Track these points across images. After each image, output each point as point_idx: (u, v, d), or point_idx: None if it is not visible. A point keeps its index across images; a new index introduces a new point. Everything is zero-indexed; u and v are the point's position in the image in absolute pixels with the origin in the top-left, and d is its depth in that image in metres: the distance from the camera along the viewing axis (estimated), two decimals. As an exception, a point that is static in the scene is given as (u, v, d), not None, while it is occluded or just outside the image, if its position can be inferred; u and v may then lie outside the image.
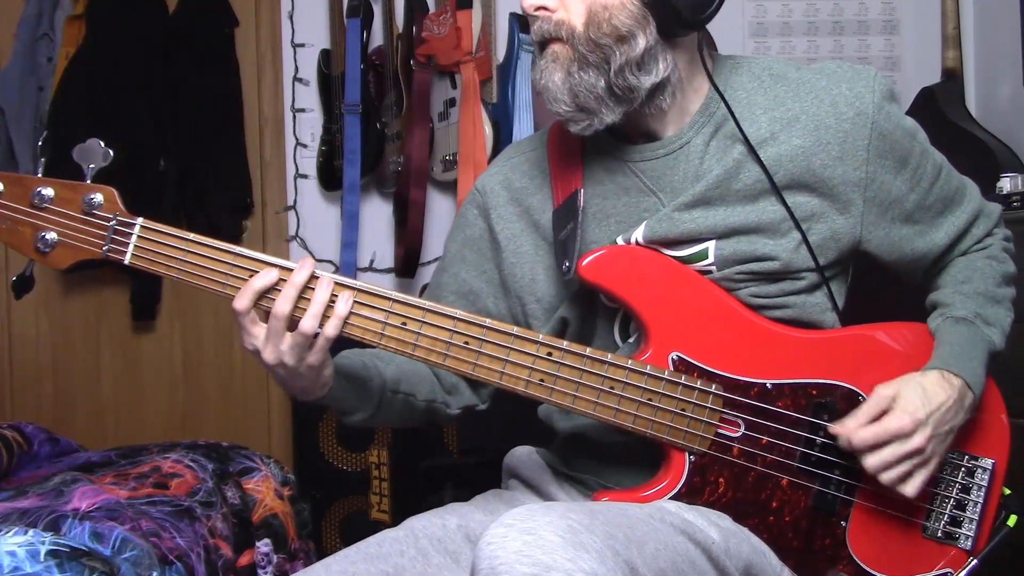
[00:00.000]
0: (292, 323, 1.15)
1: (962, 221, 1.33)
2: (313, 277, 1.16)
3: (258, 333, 1.15)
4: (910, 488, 1.20)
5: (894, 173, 1.26)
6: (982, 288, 1.31)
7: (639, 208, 1.28)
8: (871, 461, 1.18)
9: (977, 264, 1.34)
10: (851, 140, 1.23)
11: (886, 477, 1.18)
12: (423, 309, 1.19)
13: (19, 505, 1.39)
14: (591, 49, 1.19)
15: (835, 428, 1.20)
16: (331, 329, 1.16)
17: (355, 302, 1.18)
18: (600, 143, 1.32)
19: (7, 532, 1.21)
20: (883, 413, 1.19)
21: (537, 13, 1.22)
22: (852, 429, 1.19)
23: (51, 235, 1.18)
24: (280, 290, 1.15)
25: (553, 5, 1.21)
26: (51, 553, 1.20)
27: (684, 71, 1.25)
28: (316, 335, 1.15)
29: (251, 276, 1.16)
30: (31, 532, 1.22)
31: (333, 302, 1.16)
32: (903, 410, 1.18)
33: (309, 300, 1.15)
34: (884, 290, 1.44)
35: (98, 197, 1.18)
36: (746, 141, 1.23)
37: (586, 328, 1.32)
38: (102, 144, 1.20)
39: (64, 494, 1.46)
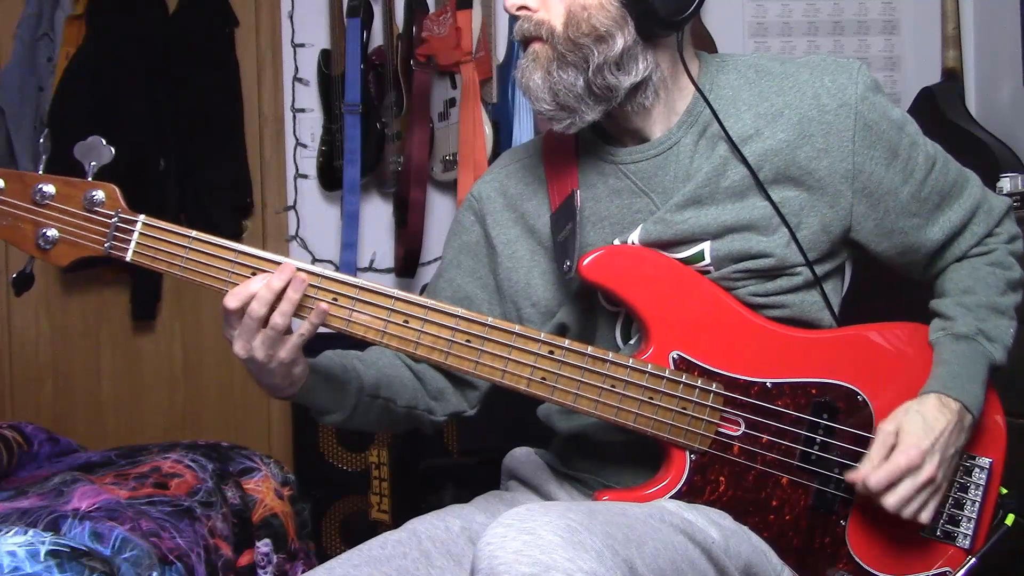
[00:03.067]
0: (267, 322, 1.15)
1: (958, 217, 1.31)
2: (305, 271, 1.16)
3: (237, 326, 1.16)
4: (925, 515, 1.20)
5: (885, 165, 1.26)
6: (985, 299, 1.30)
7: (632, 209, 1.28)
8: (890, 501, 1.18)
9: (980, 272, 1.32)
10: (835, 131, 1.23)
11: (907, 512, 1.19)
12: (425, 307, 1.19)
13: (19, 505, 1.39)
14: (570, 48, 1.20)
15: (850, 476, 1.21)
16: (305, 330, 1.16)
17: (357, 300, 1.18)
18: (591, 147, 1.32)
19: (7, 532, 1.21)
20: (890, 450, 1.20)
21: (519, 12, 1.23)
22: (866, 474, 1.19)
23: (52, 232, 1.18)
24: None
25: (534, 5, 1.22)
26: (51, 553, 1.20)
27: (668, 71, 1.26)
28: (287, 331, 1.15)
29: (253, 273, 1.16)
30: (31, 532, 1.22)
31: (310, 304, 1.16)
32: (908, 444, 1.19)
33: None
34: (885, 291, 1.44)
35: (100, 194, 1.18)
36: (729, 140, 1.23)
37: (587, 332, 1.32)
38: (103, 141, 1.20)
39: (64, 494, 1.46)
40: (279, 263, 1.17)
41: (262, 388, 1.23)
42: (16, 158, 3.02)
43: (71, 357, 3.19)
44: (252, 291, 1.15)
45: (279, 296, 1.15)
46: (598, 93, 1.21)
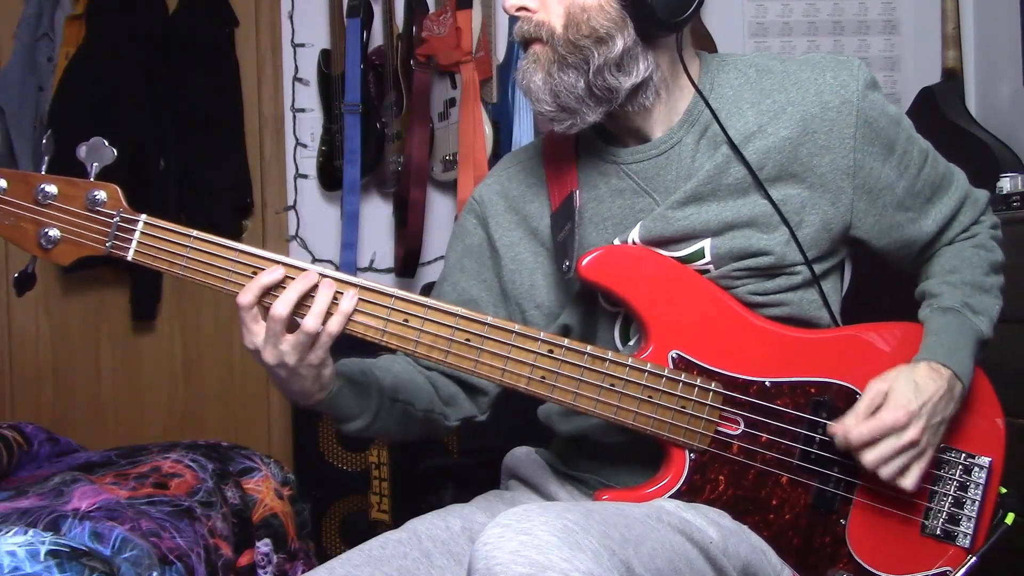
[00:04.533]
0: (291, 325, 1.15)
1: (949, 208, 1.34)
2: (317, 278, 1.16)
3: (259, 331, 1.15)
4: (908, 481, 1.20)
5: (882, 160, 1.26)
6: (969, 277, 1.32)
7: (634, 209, 1.28)
8: (868, 457, 1.18)
9: (965, 253, 1.34)
10: (837, 128, 1.24)
11: (885, 472, 1.19)
12: (425, 306, 1.19)
13: (19, 505, 1.39)
14: (570, 50, 1.20)
15: (832, 427, 1.21)
16: (334, 326, 1.15)
17: (357, 299, 1.17)
18: (592, 147, 1.32)
19: (7, 532, 1.21)
20: (877, 409, 1.20)
21: (518, 14, 1.23)
22: (848, 427, 1.19)
23: (54, 231, 1.18)
24: (284, 287, 1.14)
25: (534, 6, 1.22)
26: (51, 553, 1.20)
27: (668, 71, 1.26)
28: (318, 333, 1.15)
29: (254, 273, 1.16)
30: (31, 532, 1.22)
31: (336, 300, 1.16)
32: (896, 403, 1.19)
33: (311, 299, 1.15)
34: (884, 290, 1.44)
35: (102, 194, 1.18)
36: (729, 141, 1.23)
37: (587, 333, 1.32)
38: (106, 142, 1.20)
39: (64, 494, 1.45)
40: (281, 262, 1.16)
41: (289, 396, 1.22)
42: (16, 158, 3.02)
43: (71, 357, 3.19)
44: (263, 283, 1.14)
45: (304, 297, 1.14)
46: (599, 94, 1.21)
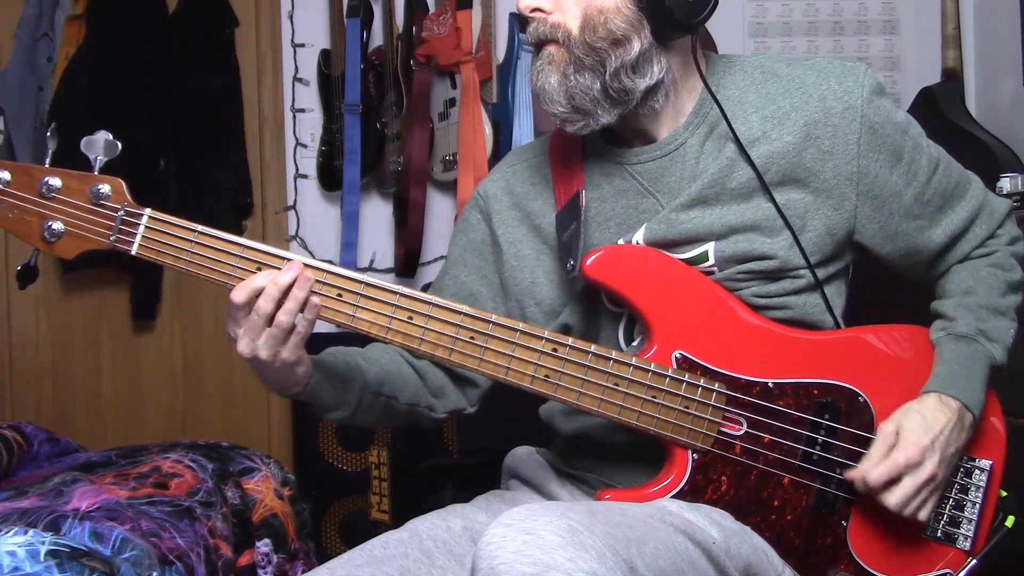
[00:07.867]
0: (271, 320, 1.15)
1: (960, 219, 1.32)
2: (310, 267, 1.16)
3: (243, 323, 1.16)
4: (924, 513, 1.21)
5: (889, 167, 1.26)
6: (985, 300, 1.30)
7: (638, 210, 1.28)
8: (892, 499, 1.19)
9: (981, 273, 1.33)
10: (841, 134, 1.24)
11: (908, 510, 1.20)
12: (429, 304, 1.19)
13: (19, 505, 1.39)
14: (587, 52, 1.20)
15: (849, 474, 1.21)
16: (303, 326, 1.16)
17: (361, 296, 1.18)
18: (597, 147, 1.32)
19: (7, 532, 1.21)
20: (890, 449, 1.20)
21: (533, 15, 1.22)
22: (865, 471, 1.19)
23: (58, 225, 1.18)
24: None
25: (549, 7, 1.21)
26: (51, 553, 1.20)
27: (678, 72, 1.26)
28: (290, 329, 1.15)
29: (259, 268, 1.16)
30: (31, 532, 1.22)
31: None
32: (908, 441, 1.19)
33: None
34: (887, 295, 1.44)
35: (105, 188, 1.18)
36: (737, 142, 1.23)
37: (590, 332, 1.32)
38: (110, 136, 1.20)
39: (64, 494, 1.45)
40: (284, 258, 1.17)
41: (266, 386, 1.23)
42: (16, 158, 3.02)
43: (71, 357, 3.18)
44: (258, 285, 1.15)
45: (286, 293, 1.14)
46: (614, 96, 1.21)
